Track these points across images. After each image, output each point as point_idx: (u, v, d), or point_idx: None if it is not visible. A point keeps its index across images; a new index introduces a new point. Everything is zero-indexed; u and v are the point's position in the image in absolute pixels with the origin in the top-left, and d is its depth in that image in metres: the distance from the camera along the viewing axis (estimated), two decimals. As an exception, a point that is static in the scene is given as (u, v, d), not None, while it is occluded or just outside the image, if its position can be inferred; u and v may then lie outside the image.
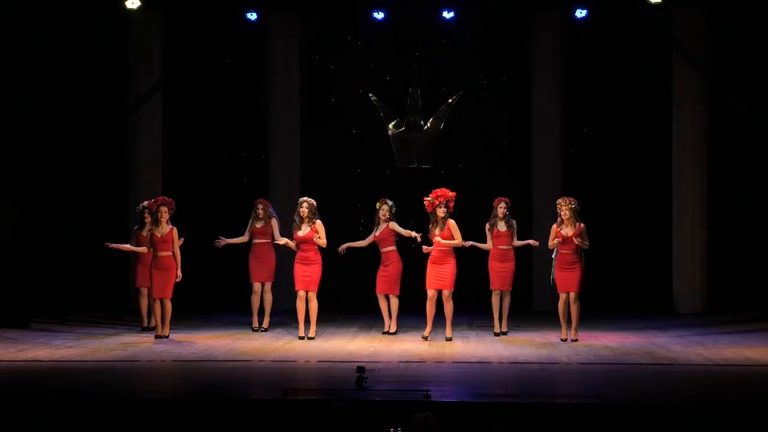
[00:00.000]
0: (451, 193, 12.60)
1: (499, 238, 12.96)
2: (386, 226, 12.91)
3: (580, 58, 16.05)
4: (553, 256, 12.56)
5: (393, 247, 12.93)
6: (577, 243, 12.21)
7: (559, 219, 12.46)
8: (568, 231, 12.37)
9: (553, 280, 12.51)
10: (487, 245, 12.99)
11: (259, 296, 13.57)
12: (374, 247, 13.11)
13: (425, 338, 12.54)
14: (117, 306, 15.50)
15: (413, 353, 11.49)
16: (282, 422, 8.27)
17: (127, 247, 13.32)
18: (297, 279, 12.76)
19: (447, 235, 12.55)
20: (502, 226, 12.95)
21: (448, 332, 12.62)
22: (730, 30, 15.33)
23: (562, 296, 12.44)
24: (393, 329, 13.00)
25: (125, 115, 15.41)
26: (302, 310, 12.73)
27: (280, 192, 15.88)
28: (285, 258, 13.62)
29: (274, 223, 13.48)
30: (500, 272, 12.99)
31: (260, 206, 13.55)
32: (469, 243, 12.71)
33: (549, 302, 14.69)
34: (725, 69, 15.16)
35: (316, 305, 12.76)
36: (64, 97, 15.14)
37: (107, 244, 13.22)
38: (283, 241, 12.97)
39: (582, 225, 12.37)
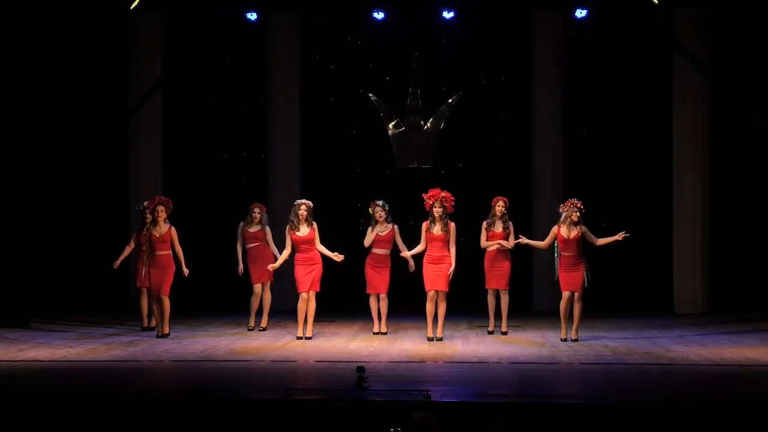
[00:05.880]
0: (443, 193, 12.58)
1: (495, 239, 12.94)
2: (392, 227, 12.84)
3: (580, 58, 16.04)
4: (555, 255, 12.55)
5: (388, 251, 12.91)
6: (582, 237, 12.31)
7: (568, 219, 12.35)
8: (569, 233, 12.34)
9: (558, 278, 12.50)
10: (487, 244, 12.98)
11: (259, 297, 13.58)
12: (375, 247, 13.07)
13: (431, 339, 12.54)
14: (117, 306, 15.51)
15: (413, 353, 11.49)
16: (282, 422, 8.27)
17: (125, 254, 13.39)
18: (300, 281, 12.73)
19: (447, 238, 12.56)
20: (498, 227, 12.94)
21: (440, 332, 12.63)
22: (731, 30, 15.33)
23: (565, 294, 12.40)
24: (384, 329, 13.00)
25: (125, 115, 15.42)
26: (304, 311, 12.73)
27: (280, 192, 15.88)
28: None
29: (268, 230, 13.50)
30: (496, 272, 12.98)
31: (257, 210, 13.52)
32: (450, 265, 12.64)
33: (549, 302, 14.71)
34: (725, 69, 15.15)
35: (314, 305, 12.78)
36: (64, 97, 15.14)
37: (115, 265, 13.34)
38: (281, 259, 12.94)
39: (585, 228, 12.37)
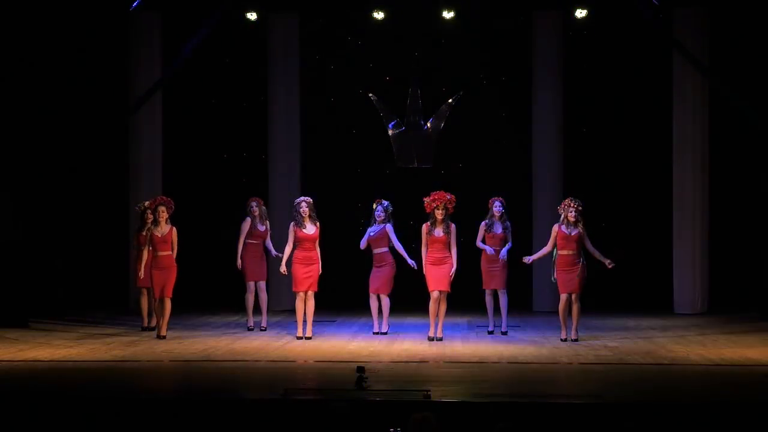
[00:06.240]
0: (448, 196, 12.58)
1: (494, 239, 12.95)
2: (383, 227, 12.88)
3: (580, 58, 16.05)
4: (552, 257, 12.54)
5: (387, 249, 12.93)
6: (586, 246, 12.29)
7: (566, 219, 12.34)
8: (569, 231, 12.34)
9: (555, 278, 12.49)
10: (484, 246, 12.98)
11: (253, 294, 13.55)
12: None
13: (431, 339, 12.54)
14: (117, 306, 15.51)
15: (413, 353, 11.49)
16: (282, 422, 8.27)
17: (141, 262, 13.15)
18: (299, 280, 12.71)
19: (449, 240, 12.56)
20: (498, 228, 12.94)
21: (440, 332, 12.64)
22: (731, 30, 15.33)
23: (564, 297, 12.41)
24: (384, 329, 13.00)
25: (125, 115, 15.42)
26: (302, 310, 12.73)
27: (280, 192, 15.87)
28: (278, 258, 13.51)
29: (268, 225, 13.53)
30: (492, 272, 12.98)
31: (254, 204, 13.50)
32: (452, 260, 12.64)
33: (549, 302, 14.71)
34: (725, 69, 15.14)
35: (313, 304, 12.77)
36: (64, 97, 15.15)
37: (141, 275, 12.96)
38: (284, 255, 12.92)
39: (583, 231, 12.35)
